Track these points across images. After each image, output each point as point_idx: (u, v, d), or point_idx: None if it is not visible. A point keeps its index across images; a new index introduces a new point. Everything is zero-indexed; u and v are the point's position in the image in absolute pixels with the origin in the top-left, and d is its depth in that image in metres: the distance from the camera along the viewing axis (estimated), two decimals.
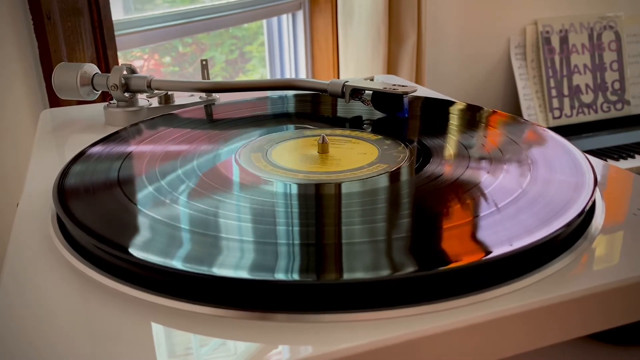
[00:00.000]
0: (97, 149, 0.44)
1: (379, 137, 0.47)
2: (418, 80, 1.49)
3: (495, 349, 0.27)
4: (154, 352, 0.25)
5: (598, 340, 0.33)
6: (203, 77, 0.60)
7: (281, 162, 0.41)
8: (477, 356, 0.27)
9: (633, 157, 1.54)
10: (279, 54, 1.54)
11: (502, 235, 0.30)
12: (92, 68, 0.58)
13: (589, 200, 0.33)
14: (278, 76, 1.54)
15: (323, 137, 0.43)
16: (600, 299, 0.29)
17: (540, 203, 0.34)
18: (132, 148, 0.45)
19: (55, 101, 0.86)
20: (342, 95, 0.53)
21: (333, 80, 0.54)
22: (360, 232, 0.31)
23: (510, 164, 0.40)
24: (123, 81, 0.56)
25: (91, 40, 0.91)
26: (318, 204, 0.36)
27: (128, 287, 0.28)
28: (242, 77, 1.52)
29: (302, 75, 1.54)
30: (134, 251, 0.29)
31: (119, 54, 0.98)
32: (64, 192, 0.36)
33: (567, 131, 1.63)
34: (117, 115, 0.56)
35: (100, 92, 0.59)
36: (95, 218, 0.33)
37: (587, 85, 1.70)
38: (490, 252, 0.29)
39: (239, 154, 0.43)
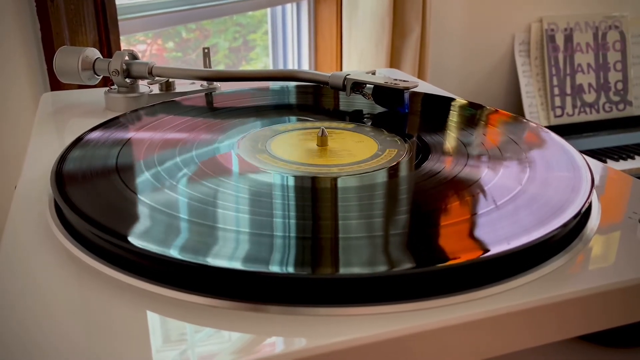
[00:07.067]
0: (96, 134, 0.44)
1: (379, 131, 0.47)
2: (421, 74, 1.48)
3: (488, 347, 0.28)
4: (148, 337, 0.25)
5: (589, 341, 0.34)
6: (205, 66, 0.60)
7: (280, 154, 0.41)
8: (470, 353, 0.27)
9: (633, 158, 1.54)
10: (282, 43, 1.53)
11: (498, 234, 0.30)
12: (93, 52, 0.58)
13: (585, 202, 0.33)
14: (281, 65, 1.53)
15: (322, 129, 0.43)
16: (593, 301, 0.29)
17: (537, 203, 0.34)
18: (131, 134, 0.45)
19: (56, 84, 0.85)
20: (343, 88, 0.53)
21: (334, 72, 0.54)
22: (357, 227, 0.31)
23: (508, 163, 0.40)
24: (124, 67, 0.56)
25: (94, 24, 0.91)
26: (315, 197, 0.36)
27: (124, 274, 0.29)
28: (245, 66, 1.52)
29: (305, 65, 1.54)
30: (131, 239, 0.29)
31: (121, 38, 0.97)
32: (61, 177, 0.37)
33: (568, 130, 1.63)
34: (117, 101, 0.56)
35: (101, 77, 0.58)
36: (92, 204, 0.33)
37: (589, 85, 1.69)
38: (485, 251, 0.29)
39: (238, 144, 0.43)
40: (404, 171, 0.39)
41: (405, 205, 0.35)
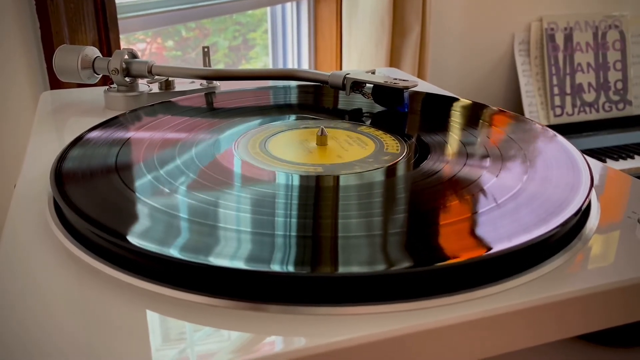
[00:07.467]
0: (95, 133, 0.44)
1: (378, 131, 0.47)
2: (420, 73, 1.48)
3: (487, 347, 0.28)
4: (147, 336, 0.25)
5: (588, 341, 0.34)
6: (204, 64, 0.60)
7: (279, 153, 0.41)
8: (469, 353, 0.27)
9: (633, 157, 1.54)
10: (282, 42, 1.53)
11: (497, 234, 0.30)
12: (93, 51, 0.58)
13: (584, 201, 0.33)
14: (280, 65, 1.53)
15: (322, 129, 0.43)
16: (592, 300, 0.29)
17: (536, 202, 0.34)
18: (130, 134, 0.45)
19: (55, 83, 0.85)
20: (343, 88, 0.53)
21: (334, 72, 0.54)
22: (356, 226, 0.31)
23: (508, 162, 0.40)
24: (124, 66, 0.56)
25: (94, 23, 0.91)
26: (314, 196, 0.36)
27: (123, 273, 0.29)
28: (245, 65, 1.52)
29: (305, 64, 1.54)
30: (130, 238, 0.29)
31: (121, 36, 0.97)
32: (61, 176, 0.37)
33: (568, 129, 1.63)
34: (117, 100, 0.56)
35: (101, 75, 0.58)
36: (92, 203, 0.33)
37: (589, 84, 1.69)
38: (484, 250, 0.29)
39: (237, 143, 0.43)
40: (403, 170, 0.39)
41: (404, 204, 0.35)
